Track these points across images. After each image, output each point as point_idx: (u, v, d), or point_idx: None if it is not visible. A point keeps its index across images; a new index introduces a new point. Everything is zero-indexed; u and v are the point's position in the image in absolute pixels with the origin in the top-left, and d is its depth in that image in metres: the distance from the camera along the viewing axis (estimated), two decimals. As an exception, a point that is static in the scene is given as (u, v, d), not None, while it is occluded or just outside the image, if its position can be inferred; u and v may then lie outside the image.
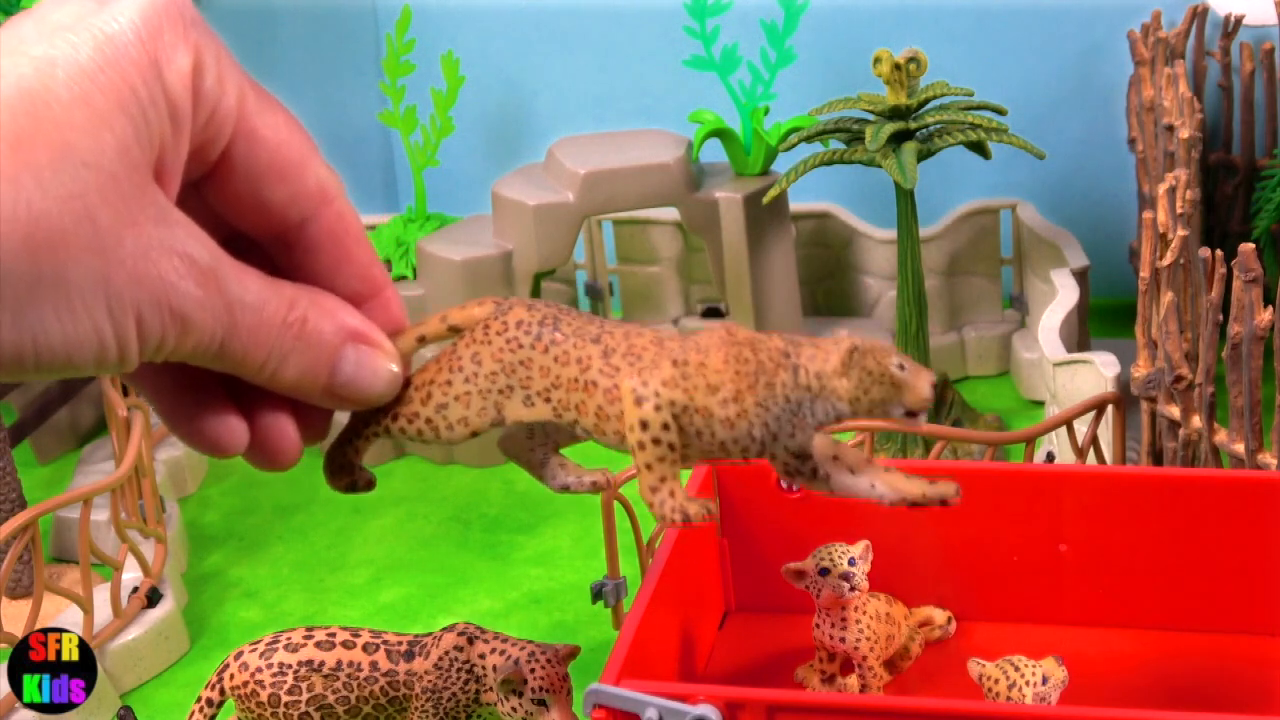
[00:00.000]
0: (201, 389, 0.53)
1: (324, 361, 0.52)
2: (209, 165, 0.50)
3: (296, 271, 0.54)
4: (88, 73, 0.45)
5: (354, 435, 0.66)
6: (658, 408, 0.71)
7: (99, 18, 0.47)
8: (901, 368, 0.72)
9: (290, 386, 0.52)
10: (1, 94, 0.44)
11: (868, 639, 1.04)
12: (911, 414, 0.74)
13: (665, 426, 0.71)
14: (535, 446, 0.78)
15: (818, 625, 1.05)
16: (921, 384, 0.72)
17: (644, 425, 0.71)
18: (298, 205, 0.52)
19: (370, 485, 0.67)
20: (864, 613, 1.05)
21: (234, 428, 0.53)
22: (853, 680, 1.06)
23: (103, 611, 1.27)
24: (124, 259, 0.44)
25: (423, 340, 0.64)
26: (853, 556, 1.03)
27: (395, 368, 0.57)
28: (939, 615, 1.15)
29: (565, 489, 0.79)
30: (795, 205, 1.69)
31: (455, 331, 0.68)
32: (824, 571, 1.03)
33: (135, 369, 0.48)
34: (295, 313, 0.51)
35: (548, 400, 0.71)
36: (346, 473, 0.66)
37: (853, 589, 1.03)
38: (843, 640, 1.04)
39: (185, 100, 0.48)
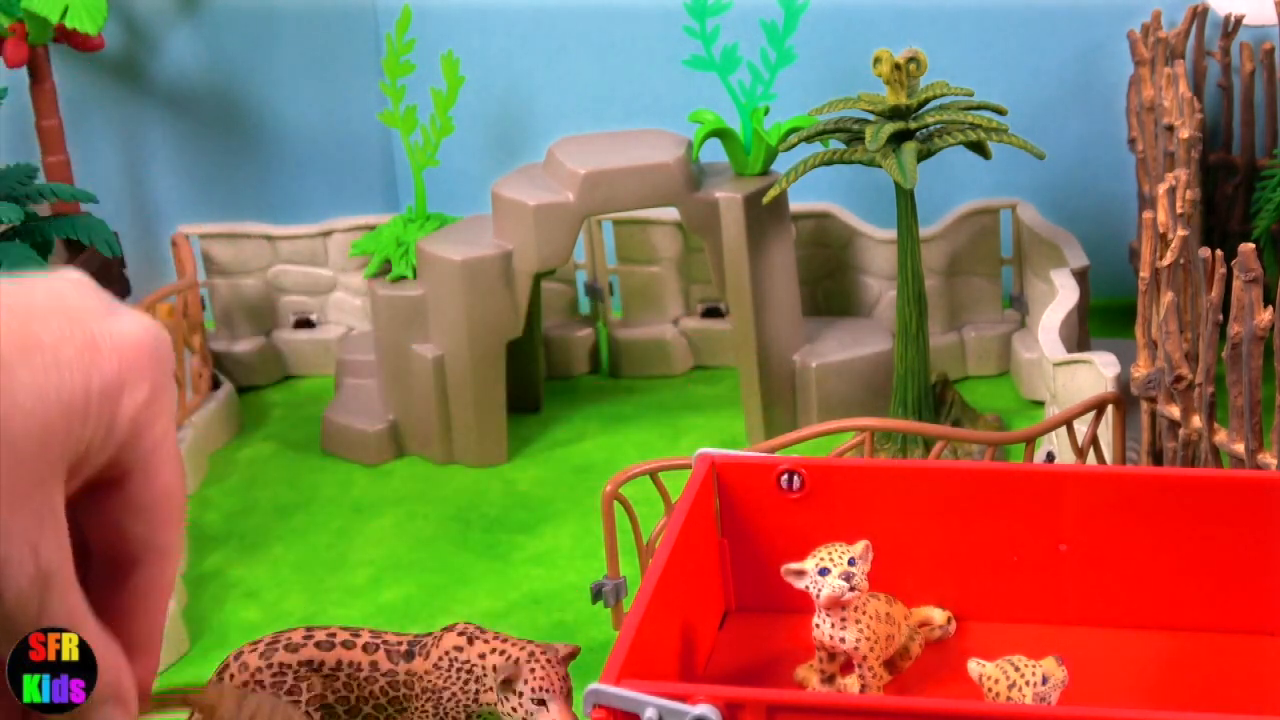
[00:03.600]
0: None
1: (86, 703, 0.56)
2: (98, 485, 0.54)
3: (96, 592, 0.57)
4: (62, 361, 0.49)
5: None
6: None
7: (102, 325, 0.51)
8: None
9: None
10: None
11: (867, 639, 1.04)
12: None
13: None
14: None
15: (817, 625, 1.05)
16: None
17: None
18: (142, 551, 0.57)
19: None
20: (864, 613, 1.05)
21: None
22: (852, 680, 1.06)
23: (103, 611, 1.27)
24: None
25: None
26: (852, 557, 1.03)
27: None
28: (939, 615, 1.15)
29: None
30: (795, 205, 1.69)
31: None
32: (824, 572, 1.03)
33: None
34: (100, 641, 0.54)
35: None
36: None
37: (852, 589, 1.02)
38: (842, 640, 1.04)
39: (123, 427, 0.52)
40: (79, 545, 0.55)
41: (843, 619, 1.04)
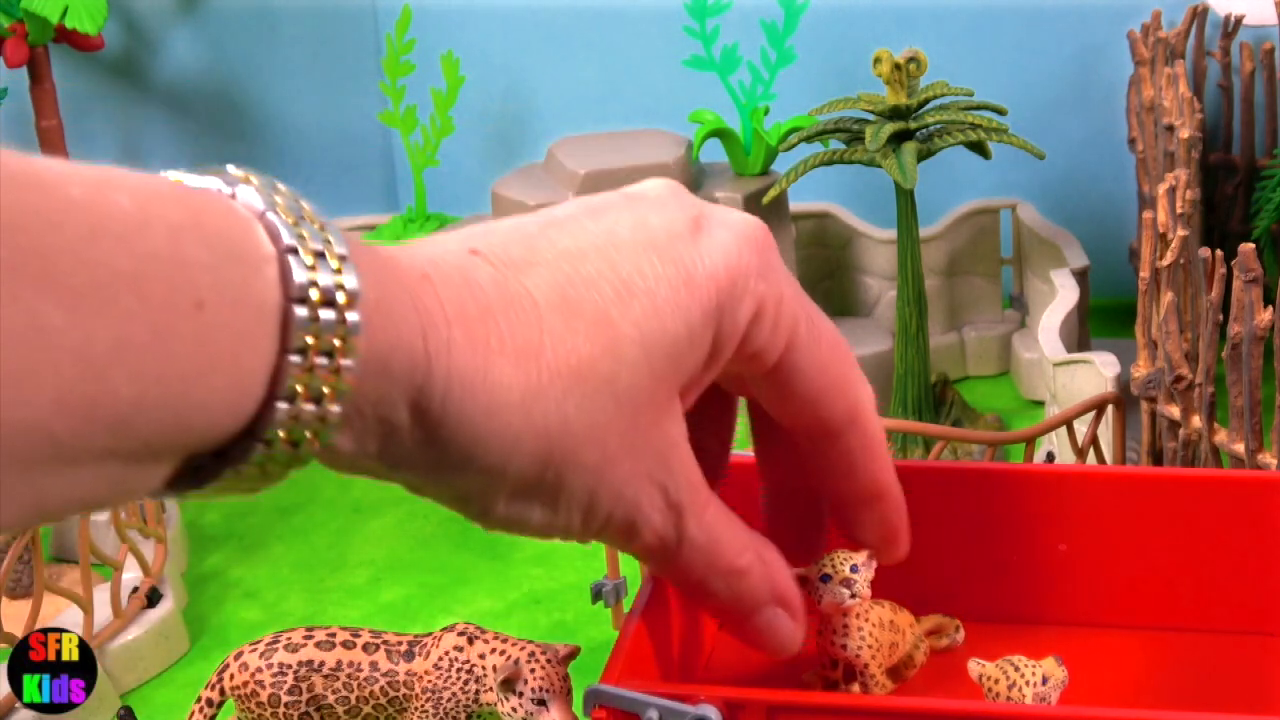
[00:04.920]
0: None
1: (745, 609, 0.57)
2: (739, 383, 0.54)
3: (807, 465, 0.57)
4: (660, 306, 0.48)
5: None
6: None
7: (691, 251, 0.49)
8: None
9: (707, 607, 0.58)
10: (577, 282, 0.47)
11: (869, 646, 1.04)
12: None
13: None
14: None
15: (820, 632, 1.05)
16: None
17: None
18: (823, 429, 0.56)
19: None
20: (866, 620, 1.04)
21: None
22: (855, 688, 1.06)
23: (103, 611, 1.27)
24: (613, 480, 0.49)
25: None
26: (855, 563, 1.03)
27: (800, 638, 0.64)
28: (948, 624, 1.15)
29: None
30: (795, 205, 1.68)
31: None
32: (825, 578, 1.03)
33: None
34: (740, 561, 0.56)
35: None
36: None
37: (854, 596, 1.02)
38: (844, 648, 1.04)
39: (729, 347, 0.51)
40: (714, 450, 0.55)
41: (845, 626, 1.04)
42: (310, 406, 0.44)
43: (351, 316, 0.44)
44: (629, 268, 0.48)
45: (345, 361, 0.44)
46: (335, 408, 0.44)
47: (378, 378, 0.45)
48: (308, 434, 0.44)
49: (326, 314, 0.44)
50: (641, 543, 0.51)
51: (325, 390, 0.44)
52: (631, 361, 0.47)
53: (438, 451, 0.46)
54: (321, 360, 0.43)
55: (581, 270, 0.47)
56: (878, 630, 1.05)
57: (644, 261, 0.48)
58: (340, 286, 0.44)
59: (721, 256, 0.49)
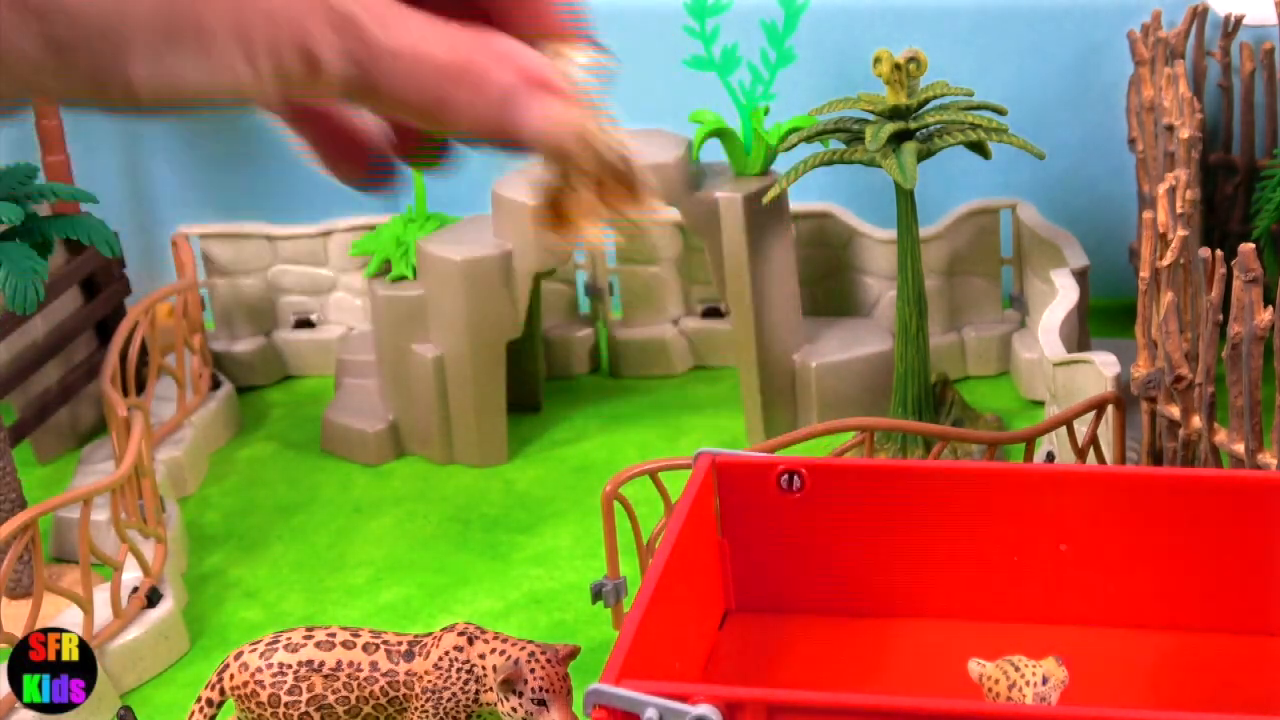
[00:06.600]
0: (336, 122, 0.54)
1: (493, 109, 0.50)
2: None
3: None
4: None
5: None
6: None
7: None
8: None
9: (465, 132, 0.51)
10: None
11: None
12: None
13: None
14: None
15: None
16: None
17: None
18: None
19: None
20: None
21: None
22: None
23: (103, 611, 1.27)
24: (261, 4, 0.45)
25: None
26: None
27: (579, 114, 0.55)
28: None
29: None
30: (795, 205, 1.68)
31: None
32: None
33: (280, 103, 0.49)
34: (456, 56, 0.49)
35: None
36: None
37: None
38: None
39: None
40: None
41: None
42: None
43: None
44: None
45: None
46: None
47: None
48: None
49: None
50: (329, 72, 0.47)
51: None
52: None
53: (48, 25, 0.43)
54: None
55: None
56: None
57: None
58: None
59: None
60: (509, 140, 0.52)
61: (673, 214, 1.69)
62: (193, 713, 1.10)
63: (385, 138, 0.55)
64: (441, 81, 0.49)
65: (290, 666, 1.07)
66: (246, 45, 0.45)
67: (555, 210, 0.60)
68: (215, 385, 1.75)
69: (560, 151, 0.54)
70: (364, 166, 0.55)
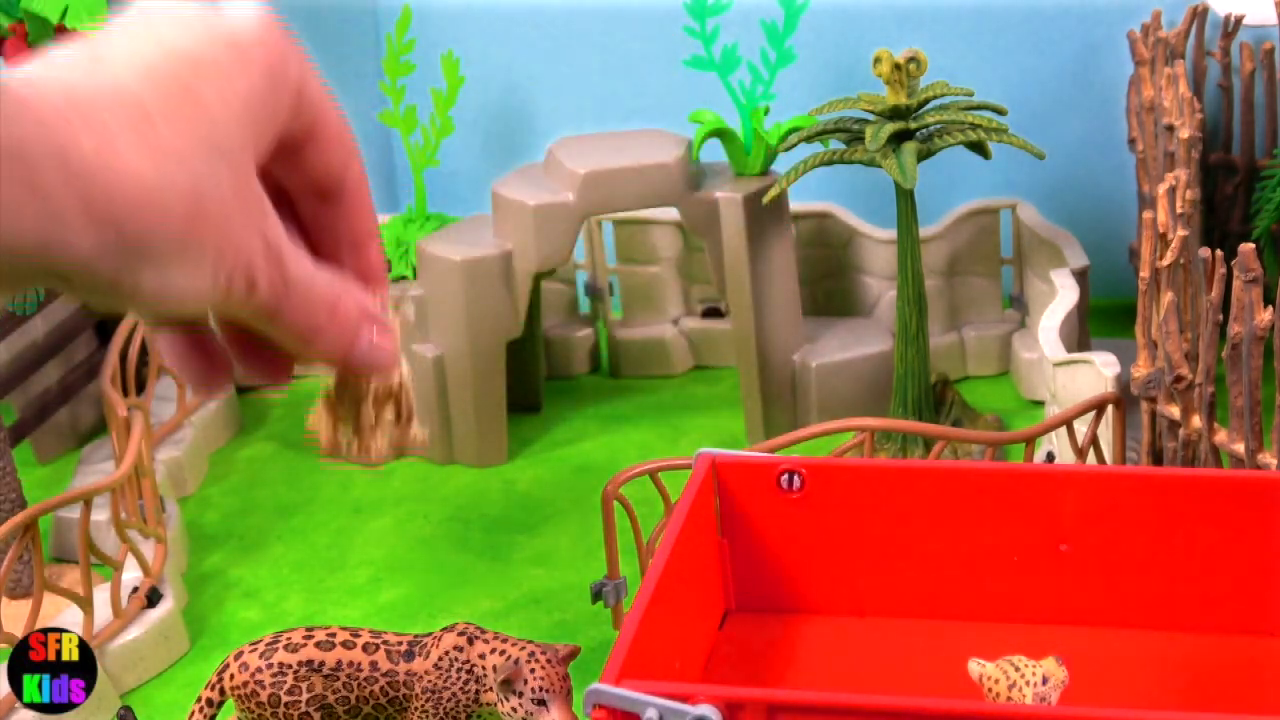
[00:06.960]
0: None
1: (349, 337, 0.59)
2: (292, 143, 0.58)
3: (320, 221, 0.61)
4: (227, 70, 0.53)
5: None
6: None
7: (227, 24, 0.55)
8: None
9: (318, 355, 0.59)
10: (159, 71, 0.52)
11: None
12: None
13: None
14: None
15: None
16: None
17: None
18: (342, 162, 0.60)
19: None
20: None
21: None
22: None
23: (103, 611, 1.27)
24: (230, 233, 0.52)
25: None
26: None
27: (395, 349, 0.65)
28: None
29: None
30: (795, 205, 1.69)
31: None
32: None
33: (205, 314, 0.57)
34: (332, 292, 0.57)
35: None
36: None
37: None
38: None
39: (297, 89, 0.56)
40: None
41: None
42: None
43: None
44: (185, 46, 0.54)
45: None
46: None
47: None
48: None
49: None
50: (260, 295, 0.54)
51: None
52: (224, 120, 0.52)
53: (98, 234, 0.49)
54: None
55: (148, 56, 0.53)
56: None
57: (193, 39, 0.54)
58: None
59: (257, 24, 0.56)
60: (344, 362, 0.61)
61: (672, 214, 1.69)
62: (192, 713, 1.10)
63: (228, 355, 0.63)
64: (320, 311, 0.57)
65: (290, 666, 1.07)
66: (217, 262, 0.52)
67: (333, 416, 0.71)
68: (215, 385, 1.74)
69: (370, 371, 0.64)
70: (230, 375, 0.63)
